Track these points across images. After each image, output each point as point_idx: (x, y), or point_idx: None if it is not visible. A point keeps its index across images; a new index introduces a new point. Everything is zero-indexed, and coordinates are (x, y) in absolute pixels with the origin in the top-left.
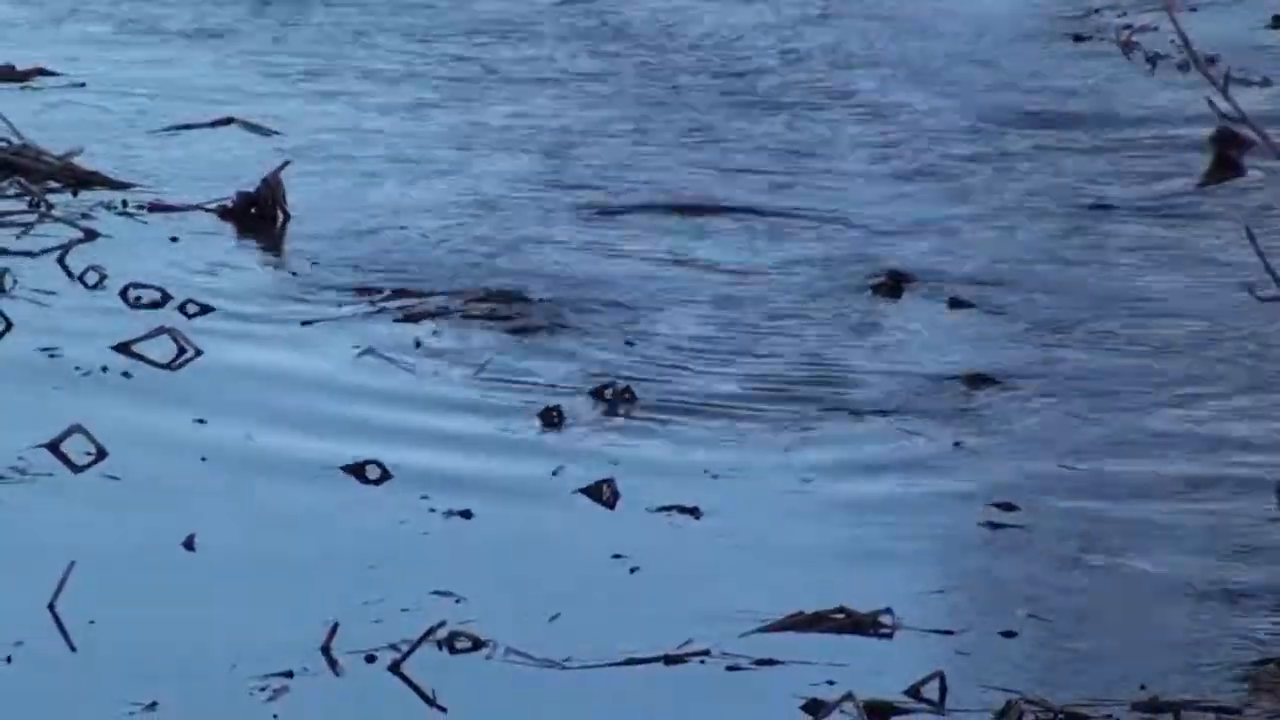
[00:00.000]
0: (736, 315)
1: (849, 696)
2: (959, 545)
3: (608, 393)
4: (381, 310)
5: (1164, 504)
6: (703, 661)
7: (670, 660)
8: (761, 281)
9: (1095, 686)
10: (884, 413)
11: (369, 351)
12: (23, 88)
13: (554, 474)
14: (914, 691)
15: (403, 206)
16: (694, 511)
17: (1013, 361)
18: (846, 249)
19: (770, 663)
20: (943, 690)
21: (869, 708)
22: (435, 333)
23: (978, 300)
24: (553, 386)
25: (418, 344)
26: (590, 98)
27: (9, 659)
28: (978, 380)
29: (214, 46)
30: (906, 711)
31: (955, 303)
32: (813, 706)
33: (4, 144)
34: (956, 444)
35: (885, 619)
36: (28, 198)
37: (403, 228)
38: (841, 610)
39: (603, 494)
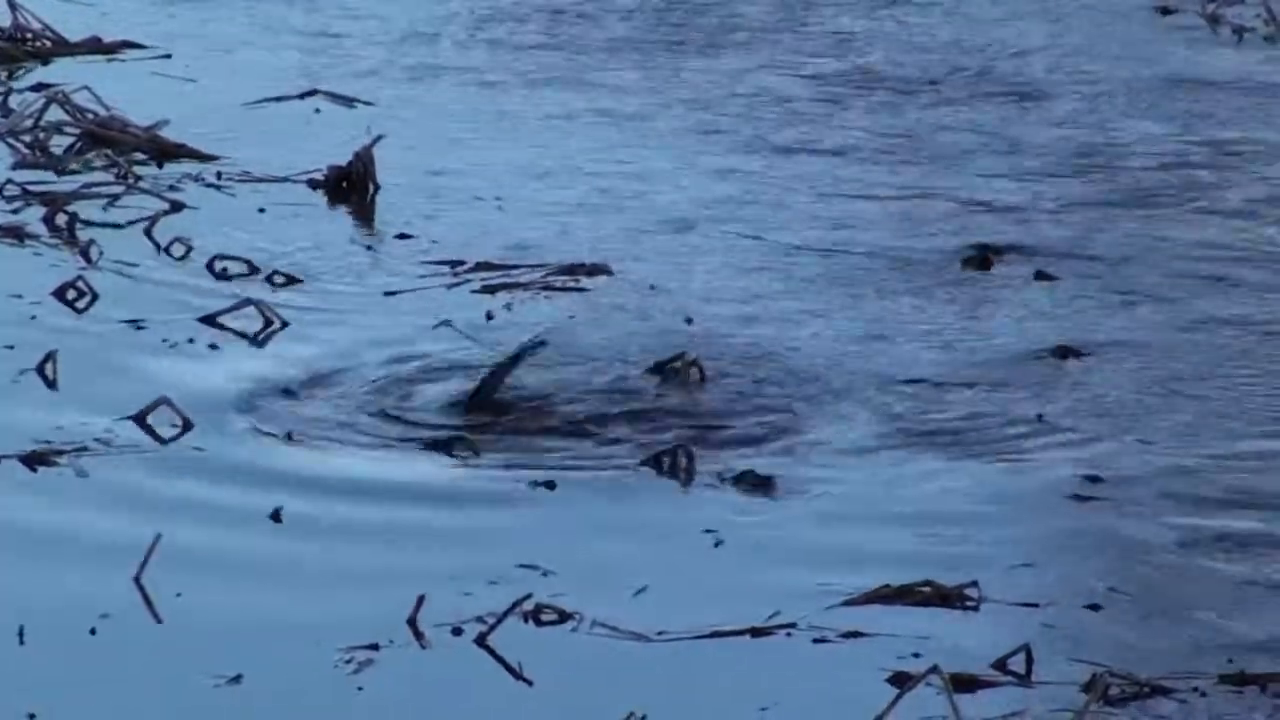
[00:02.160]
0: (820, 282)
1: (935, 669)
2: (1045, 518)
3: (676, 365)
4: (464, 282)
5: (1252, 476)
6: (789, 634)
7: (757, 633)
8: (852, 254)
9: (1181, 660)
10: (970, 385)
11: (445, 323)
12: (109, 60)
13: (635, 446)
14: (1000, 664)
15: (498, 182)
16: (767, 483)
17: (1100, 334)
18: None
19: (856, 635)
20: (1029, 663)
21: (955, 680)
22: (508, 306)
23: (1063, 273)
24: (625, 362)
25: (489, 316)
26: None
27: (94, 631)
28: (1065, 352)
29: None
30: (992, 684)
31: (1041, 275)
32: (898, 679)
33: (90, 116)
34: (1039, 416)
35: (971, 592)
36: (114, 169)
37: (496, 199)
38: (927, 583)
39: (679, 464)
